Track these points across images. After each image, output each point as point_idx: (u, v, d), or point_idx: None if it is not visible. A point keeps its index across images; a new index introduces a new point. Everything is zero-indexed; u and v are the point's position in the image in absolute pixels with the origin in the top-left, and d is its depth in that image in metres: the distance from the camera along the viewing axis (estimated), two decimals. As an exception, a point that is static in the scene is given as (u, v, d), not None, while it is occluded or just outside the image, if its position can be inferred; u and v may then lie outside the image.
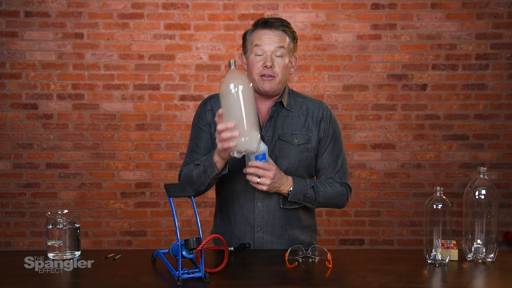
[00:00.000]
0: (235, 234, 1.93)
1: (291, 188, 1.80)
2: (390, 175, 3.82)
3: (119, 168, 3.77)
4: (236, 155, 1.62)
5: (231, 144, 1.58)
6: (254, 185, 1.73)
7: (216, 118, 1.63)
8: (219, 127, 1.59)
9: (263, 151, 1.70)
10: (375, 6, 3.72)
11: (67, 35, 3.69)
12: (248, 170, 1.71)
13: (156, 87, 3.75)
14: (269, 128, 1.88)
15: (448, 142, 3.80)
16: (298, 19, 3.73)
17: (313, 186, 1.85)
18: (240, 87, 1.56)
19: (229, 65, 1.59)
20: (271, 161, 1.74)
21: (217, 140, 1.63)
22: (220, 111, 1.61)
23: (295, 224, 1.93)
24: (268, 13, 3.71)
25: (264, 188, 1.73)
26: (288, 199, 1.83)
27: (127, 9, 3.69)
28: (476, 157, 3.81)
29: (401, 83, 3.77)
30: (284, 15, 3.71)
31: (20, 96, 3.71)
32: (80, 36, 3.70)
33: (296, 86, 3.73)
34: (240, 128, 1.58)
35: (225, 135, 1.57)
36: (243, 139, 1.58)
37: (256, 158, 1.69)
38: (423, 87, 3.77)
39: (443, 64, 3.76)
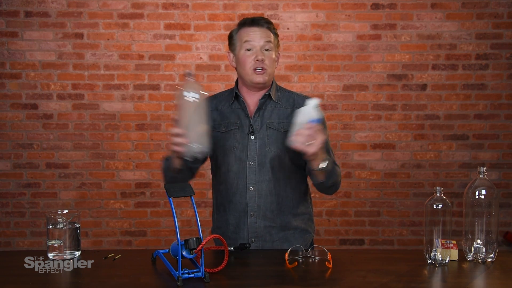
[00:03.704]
0: (230, 223, 1.99)
1: (327, 159, 1.80)
2: (390, 175, 3.82)
3: (119, 168, 3.77)
4: (187, 158, 1.76)
5: (180, 149, 1.69)
6: (303, 148, 1.68)
7: (173, 122, 1.74)
8: (172, 131, 1.70)
9: (318, 117, 1.70)
10: (375, 6, 3.72)
11: (67, 35, 3.69)
12: (303, 132, 1.67)
13: (156, 87, 3.75)
14: (257, 118, 1.98)
15: (448, 142, 3.80)
16: (298, 19, 3.73)
17: (333, 161, 1.91)
18: (195, 97, 1.67)
19: (185, 75, 1.70)
20: None
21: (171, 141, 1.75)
22: (176, 116, 1.72)
23: (287, 210, 1.99)
24: (268, 13, 3.71)
25: (313, 150, 1.68)
26: (325, 167, 1.79)
27: (127, 9, 3.69)
28: (476, 157, 3.81)
29: (401, 83, 3.77)
30: (284, 15, 3.71)
31: (20, 96, 3.71)
32: (80, 36, 3.70)
33: (296, 86, 3.73)
34: (191, 135, 1.69)
35: (175, 139, 1.69)
36: (194, 146, 1.69)
37: (312, 121, 1.68)
38: (423, 87, 3.77)
39: (443, 64, 3.76)
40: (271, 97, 1.99)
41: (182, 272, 1.50)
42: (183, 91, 1.67)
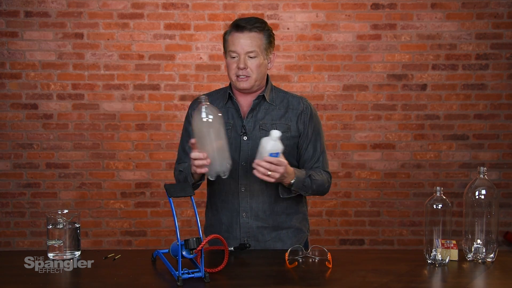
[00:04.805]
0: (223, 222, 2.01)
1: (293, 180, 1.87)
2: (390, 175, 3.82)
3: (119, 168, 3.77)
4: (211, 178, 1.79)
5: (203, 170, 1.74)
6: (263, 177, 1.76)
7: (190, 145, 1.76)
8: (192, 155, 1.72)
9: (278, 150, 1.74)
10: (375, 6, 3.72)
11: (67, 35, 3.69)
12: (262, 164, 1.73)
13: (156, 87, 3.75)
14: (250, 119, 1.98)
15: (448, 142, 3.80)
16: (298, 19, 3.73)
17: (309, 175, 1.94)
18: (211, 120, 1.68)
19: (200, 101, 1.70)
20: (282, 156, 1.78)
21: (191, 163, 1.77)
22: (193, 140, 1.73)
23: (280, 210, 2.00)
24: (268, 13, 3.71)
25: (272, 180, 1.77)
26: (292, 188, 1.89)
27: (127, 9, 3.69)
28: (476, 157, 3.81)
29: (401, 83, 3.77)
30: (284, 15, 3.71)
31: (20, 96, 3.71)
32: (80, 36, 3.70)
33: (296, 86, 3.73)
34: (212, 156, 1.71)
35: (197, 163, 1.72)
36: (215, 166, 1.72)
37: (271, 155, 1.74)
38: (423, 87, 3.77)
39: (443, 64, 3.76)
40: (265, 98, 1.99)
41: (182, 272, 1.50)
42: (201, 116, 1.67)
